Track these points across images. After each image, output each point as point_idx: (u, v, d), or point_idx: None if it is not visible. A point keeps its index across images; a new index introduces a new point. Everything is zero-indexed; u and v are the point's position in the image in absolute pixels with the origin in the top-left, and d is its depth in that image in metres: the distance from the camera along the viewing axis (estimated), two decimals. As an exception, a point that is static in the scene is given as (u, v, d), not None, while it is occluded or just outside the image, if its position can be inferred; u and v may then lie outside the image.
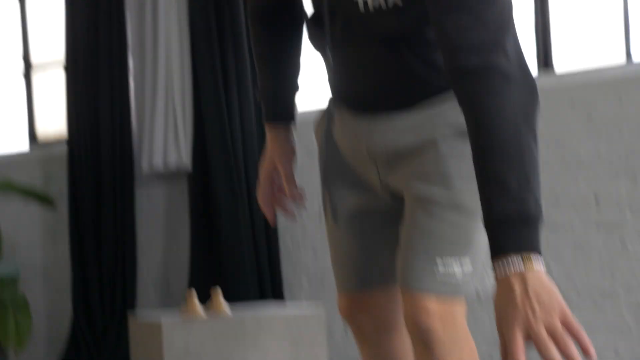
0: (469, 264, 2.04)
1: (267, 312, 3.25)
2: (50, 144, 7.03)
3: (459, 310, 2.05)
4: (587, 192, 5.35)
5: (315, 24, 2.10)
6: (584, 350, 1.53)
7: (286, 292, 6.10)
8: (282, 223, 6.17)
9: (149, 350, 3.21)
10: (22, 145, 7.22)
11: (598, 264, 5.29)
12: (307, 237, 6.11)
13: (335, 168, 2.26)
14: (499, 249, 1.59)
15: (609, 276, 5.26)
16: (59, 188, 6.83)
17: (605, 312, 5.26)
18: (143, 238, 6.48)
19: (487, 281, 2.06)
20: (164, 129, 6.07)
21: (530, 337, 1.53)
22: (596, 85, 5.30)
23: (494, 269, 1.58)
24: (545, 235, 5.41)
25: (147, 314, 3.28)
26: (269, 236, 6.04)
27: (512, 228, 1.58)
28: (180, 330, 3.06)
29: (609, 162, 5.30)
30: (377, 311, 2.29)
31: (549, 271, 5.38)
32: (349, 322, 2.33)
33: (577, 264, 5.33)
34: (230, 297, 5.60)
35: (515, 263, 1.57)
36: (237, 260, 5.89)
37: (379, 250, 2.25)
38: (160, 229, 6.46)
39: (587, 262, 5.31)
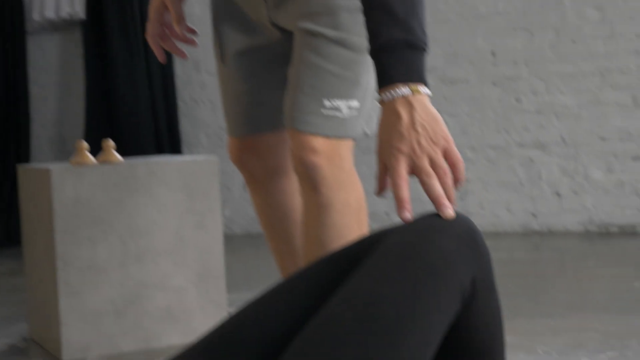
0: (356, 104, 2.02)
1: (159, 159, 3.22)
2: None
3: (346, 152, 2.04)
4: (484, 47, 5.38)
5: None
6: (456, 179, 1.52)
7: (184, 148, 6.07)
8: (180, 78, 6.08)
9: (38, 200, 3.16)
10: None
11: (493, 119, 5.37)
12: (205, 93, 6.04)
13: (224, 7, 2.21)
14: (386, 77, 1.54)
15: (503, 132, 5.35)
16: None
17: (499, 167, 5.37)
18: (36, 91, 6.32)
19: (375, 123, 2.04)
20: (55, -21, 5.84)
21: (413, 169, 1.53)
22: (497, -60, 5.27)
23: (381, 97, 1.55)
24: (442, 90, 5.45)
25: (36, 165, 3.22)
26: (166, 90, 5.96)
27: (399, 55, 1.54)
28: (70, 177, 3.01)
29: (507, 17, 5.32)
30: (267, 155, 2.28)
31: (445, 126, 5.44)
32: (240, 166, 2.32)
33: (472, 120, 5.41)
34: (126, 153, 5.54)
35: (402, 89, 1.53)
36: (134, 115, 5.81)
37: (268, 92, 2.22)
38: (54, 82, 6.30)
39: (482, 117, 5.39)
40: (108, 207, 3.05)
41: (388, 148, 1.53)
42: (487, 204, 5.39)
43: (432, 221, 1.44)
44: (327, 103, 1.99)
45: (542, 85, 5.24)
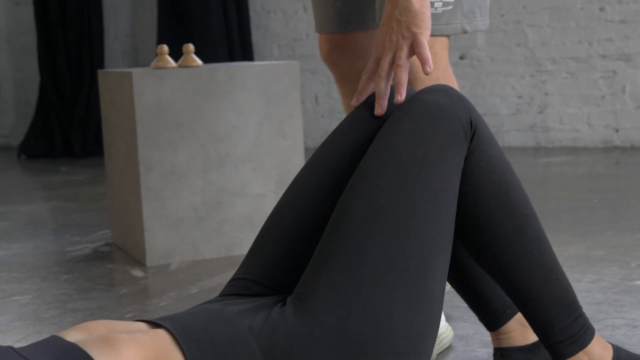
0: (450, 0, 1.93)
1: (240, 64, 3.16)
2: None
3: (441, 50, 1.97)
4: (568, -45, 5.19)
5: None
6: (422, 62, 1.58)
7: (256, 58, 6.00)
8: (253, -12, 5.99)
9: (119, 105, 3.13)
10: None
11: (575, 30, 5.20)
12: (277, 2, 5.95)
13: None
14: None
15: (585, 43, 5.19)
16: (19, -50, 6.55)
17: (580, 80, 5.22)
18: (109, 3, 6.28)
19: (479, 22, 1.96)
20: None
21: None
22: None
23: None
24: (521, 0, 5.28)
25: (118, 69, 3.18)
26: (238, 0, 5.88)
27: None
28: (151, 81, 2.97)
29: None
30: (358, 55, 2.22)
31: (525, 37, 5.29)
32: (330, 65, 2.27)
33: (553, 31, 5.24)
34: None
35: None
36: (206, 26, 5.75)
37: None
38: (127, -7, 6.26)
39: (563, 28, 5.22)
40: (189, 112, 3.01)
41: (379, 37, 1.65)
42: (567, 118, 5.26)
43: (420, 90, 1.57)
44: None
45: (628, -5, 5.05)
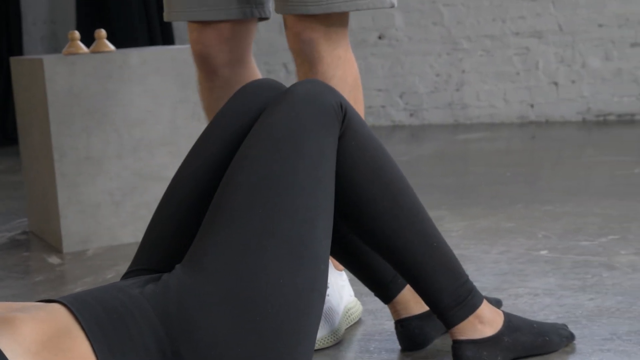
0: None
1: (152, 48, 3.17)
2: None
3: (343, 29, 1.98)
4: None
5: None
6: None
7: (178, 43, 5.99)
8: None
9: (32, 92, 3.12)
10: None
11: (488, 8, 5.30)
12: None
13: None
14: None
15: (499, 21, 5.28)
16: None
17: (495, 57, 5.31)
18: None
19: None
20: None
21: None
22: None
23: None
24: (439, -20, 5.35)
25: (29, 56, 3.17)
26: (157, -16, 5.86)
27: None
28: (63, 67, 2.96)
29: None
30: (234, 43, 2.07)
31: (441, 16, 5.37)
32: (200, 55, 2.08)
33: (468, 9, 5.33)
34: (119, 45, 5.47)
35: None
36: (125, 8, 5.72)
37: None
38: (43, -21, 6.19)
39: (477, 6, 5.31)
40: (102, 98, 3.01)
41: None
42: (484, 94, 5.35)
43: (294, 84, 1.61)
44: None
45: (540, -28, 5.15)
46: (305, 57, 1.95)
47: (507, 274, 2.37)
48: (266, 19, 2.08)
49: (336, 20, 1.96)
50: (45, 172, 3.07)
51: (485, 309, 1.69)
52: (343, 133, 1.61)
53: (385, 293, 1.83)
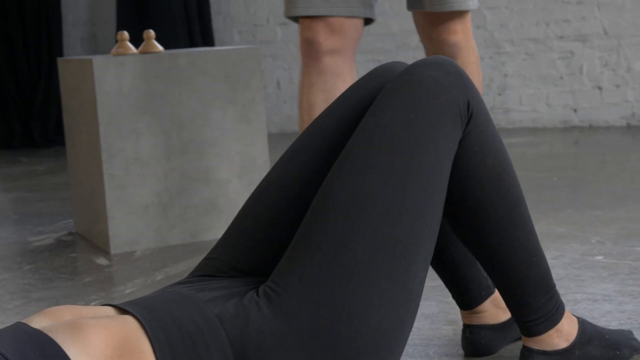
0: None
1: (201, 49, 3.16)
2: None
3: (470, 21, 2.34)
4: (524, -63, 5.23)
5: None
6: None
7: (217, 44, 5.99)
8: (211, -26, 5.97)
9: (80, 92, 3.12)
10: None
11: (532, 12, 5.25)
12: (237, -11, 5.94)
13: None
14: None
15: (542, 24, 5.23)
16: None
17: (538, 61, 5.27)
18: (66, -9, 6.24)
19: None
20: None
21: None
22: None
23: None
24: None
25: (78, 57, 3.17)
26: (198, -13, 5.86)
27: None
28: (112, 68, 2.96)
29: None
30: (339, 36, 2.30)
31: (484, 19, 5.33)
32: (309, 39, 2.30)
33: (511, 12, 5.29)
34: (160, 49, 5.47)
35: None
36: (166, 12, 5.73)
37: None
38: (84, -19, 6.21)
39: (521, 9, 5.26)
40: (151, 99, 3.00)
41: None
42: (527, 98, 5.30)
43: (419, 61, 1.51)
44: None
45: (584, -25, 5.10)
46: (447, 52, 2.33)
47: (564, 279, 2.33)
48: (372, 20, 2.36)
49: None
50: (93, 173, 3.07)
51: (565, 321, 1.65)
52: (466, 135, 1.50)
53: (469, 301, 1.80)
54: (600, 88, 5.13)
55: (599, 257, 2.52)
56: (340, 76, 2.29)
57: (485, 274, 1.79)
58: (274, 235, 1.50)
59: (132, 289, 2.53)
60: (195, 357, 1.29)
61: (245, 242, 1.50)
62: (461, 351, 1.86)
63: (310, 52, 2.30)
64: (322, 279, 1.34)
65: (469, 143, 1.51)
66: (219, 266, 1.50)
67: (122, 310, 1.35)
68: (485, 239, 1.56)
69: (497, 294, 1.81)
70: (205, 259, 1.53)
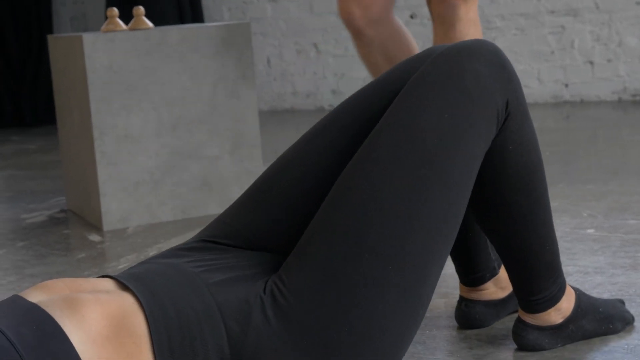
0: None
1: (191, 25, 3.15)
2: None
3: None
4: None
5: None
6: None
7: (207, 21, 5.97)
8: (201, -50, 5.94)
9: (71, 70, 3.10)
10: None
11: (523, -13, 5.24)
12: (227, -35, 5.91)
13: None
14: None
15: (533, 0, 5.23)
16: None
17: (529, 36, 5.26)
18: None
19: None
20: None
21: None
22: None
23: None
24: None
25: (68, 34, 3.15)
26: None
27: None
28: (102, 45, 2.95)
29: None
30: (373, 7, 2.42)
31: (475, -5, 5.31)
32: (348, 20, 2.41)
33: (502, -12, 5.28)
34: (150, 27, 5.45)
35: None
36: (156, -11, 5.70)
37: None
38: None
39: (512, -15, 5.25)
40: (141, 75, 3.00)
41: None
42: (518, 74, 5.29)
43: (459, 48, 1.43)
44: None
45: (575, -50, 5.09)
46: (446, 19, 2.25)
47: (555, 252, 2.34)
48: None
49: None
50: (84, 150, 3.07)
51: (564, 299, 1.65)
52: (500, 134, 1.44)
53: (472, 280, 1.80)
54: (591, 63, 5.13)
55: (590, 230, 2.53)
56: (390, 39, 2.43)
57: (494, 256, 1.80)
58: (288, 214, 1.45)
59: (125, 265, 2.53)
60: (190, 349, 1.27)
61: (261, 217, 1.45)
62: (453, 323, 1.87)
63: (351, 28, 2.43)
64: (330, 287, 1.31)
65: (503, 142, 1.46)
66: (228, 232, 1.45)
67: (122, 284, 1.32)
68: (504, 229, 1.55)
69: (500, 274, 1.82)
70: (216, 220, 1.48)
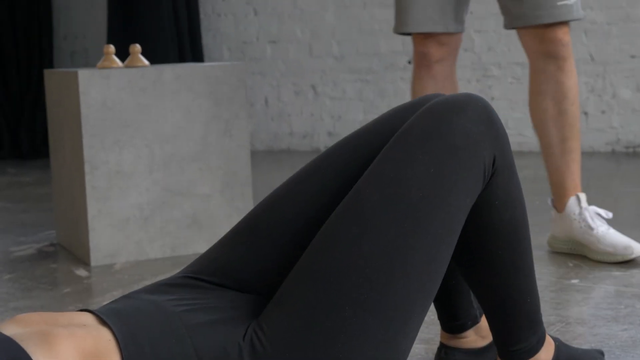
0: None
1: (186, 65, 3.17)
2: None
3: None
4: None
5: None
6: None
7: (207, 60, 6.01)
8: (203, -10, 6.00)
9: (65, 104, 3.13)
10: None
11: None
12: (227, 5, 5.96)
13: None
14: None
15: (530, 49, 5.26)
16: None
17: (525, 85, 5.30)
18: (58, 2, 6.25)
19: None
20: None
21: None
22: None
23: None
24: (470, 5, 5.35)
25: (63, 69, 3.18)
26: (188, 2, 5.89)
27: None
28: (97, 81, 2.97)
29: None
30: (447, 48, 2.79)
31: (472, 42, 5.36)
32: (424, 53, 2.76)
33: (499, 36, 5.32)
34: (149, 61, 5.49)
35: None
36: (156, 28, 5.75)
37: None
38: (76, -6, 6.23)
39: (509, 33, 5.30)
40: (135, 112, 3.02)
41: None
42: (513, 122, 5.33)
43: (449, 103, 1.43)
44: None
45: (573, 1, 5.13)
46: (554, 58, 2.67)
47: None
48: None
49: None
50: (75, 184, 3.08)
51: (543, 350, 1.65)
52: (486, 189, 1.44)
53: (454, 327, 1.80)
54: (586, 113, 5.17)
55: (575, 281, 2.53)
56: (448, 78, 2.80)
57: (476, 305, 1.80)
58: (278, 256, 1.45)
59: (110, 301, 2.53)
60: None
61: (248, 255, 1.45)
62: (432, 370, 1.87)
63: (423, 61, 2.79)
64: (309, 338, 1.30)
65: (489, 197, 1.46)
66: (213, 269, 1.45)
67: (101, 319, 1.31)
68: (487, 281, 1.55)
69: (481, 323, 1.82)
70: (202, 257, 1.48)
